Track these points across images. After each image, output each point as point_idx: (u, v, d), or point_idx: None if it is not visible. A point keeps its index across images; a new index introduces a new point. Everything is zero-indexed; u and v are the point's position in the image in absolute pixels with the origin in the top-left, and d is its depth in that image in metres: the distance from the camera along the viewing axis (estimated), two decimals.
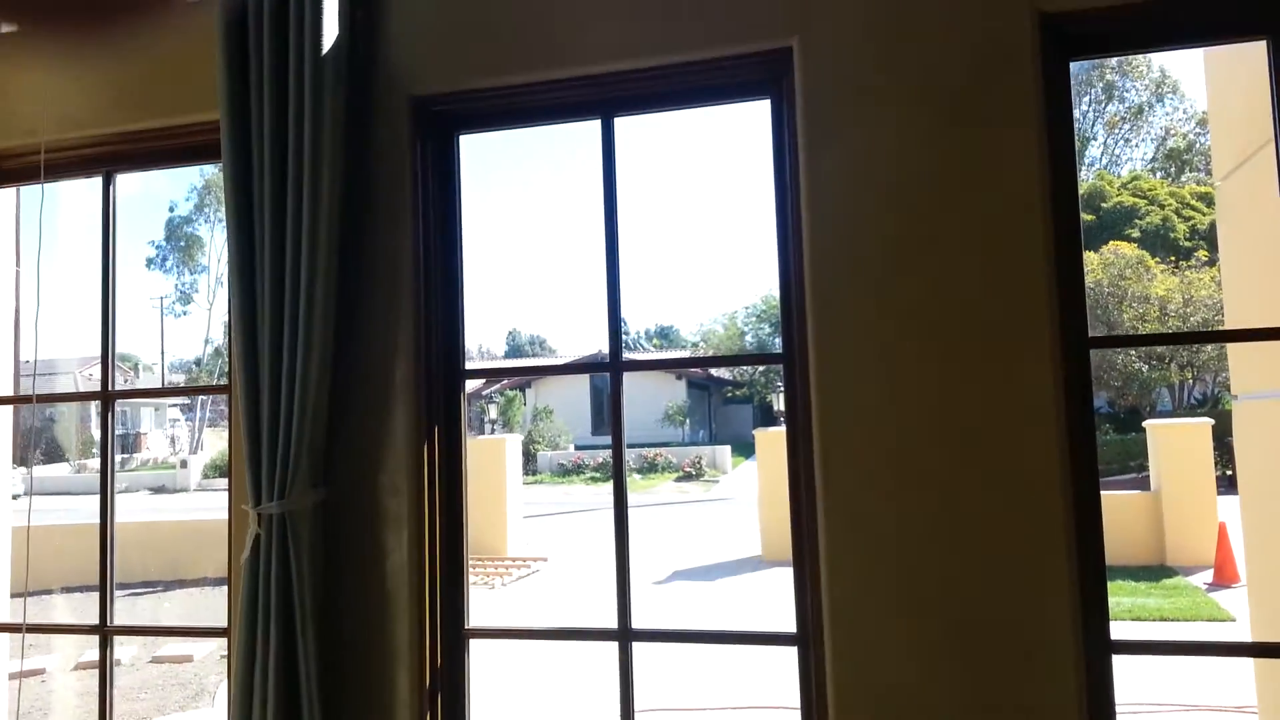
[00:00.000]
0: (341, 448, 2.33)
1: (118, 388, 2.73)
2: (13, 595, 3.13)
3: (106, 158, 2.63)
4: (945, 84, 2.04)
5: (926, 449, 2.01)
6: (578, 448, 30.31)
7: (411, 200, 2.37)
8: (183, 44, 2.53)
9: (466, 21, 2.37)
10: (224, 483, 22.16)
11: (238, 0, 2.30)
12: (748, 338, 40.88)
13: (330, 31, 2.22)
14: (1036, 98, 1.98)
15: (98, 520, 2.66)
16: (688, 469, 26.71)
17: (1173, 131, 39.03)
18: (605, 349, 2.48)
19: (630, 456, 26.72)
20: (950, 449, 2.00)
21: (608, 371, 2.41)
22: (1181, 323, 21.19)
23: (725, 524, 17.08)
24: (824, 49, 2.11)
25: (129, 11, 2.56)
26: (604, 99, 2.35)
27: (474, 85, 2.37)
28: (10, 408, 3.05)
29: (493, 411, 32.15)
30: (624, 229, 2.43)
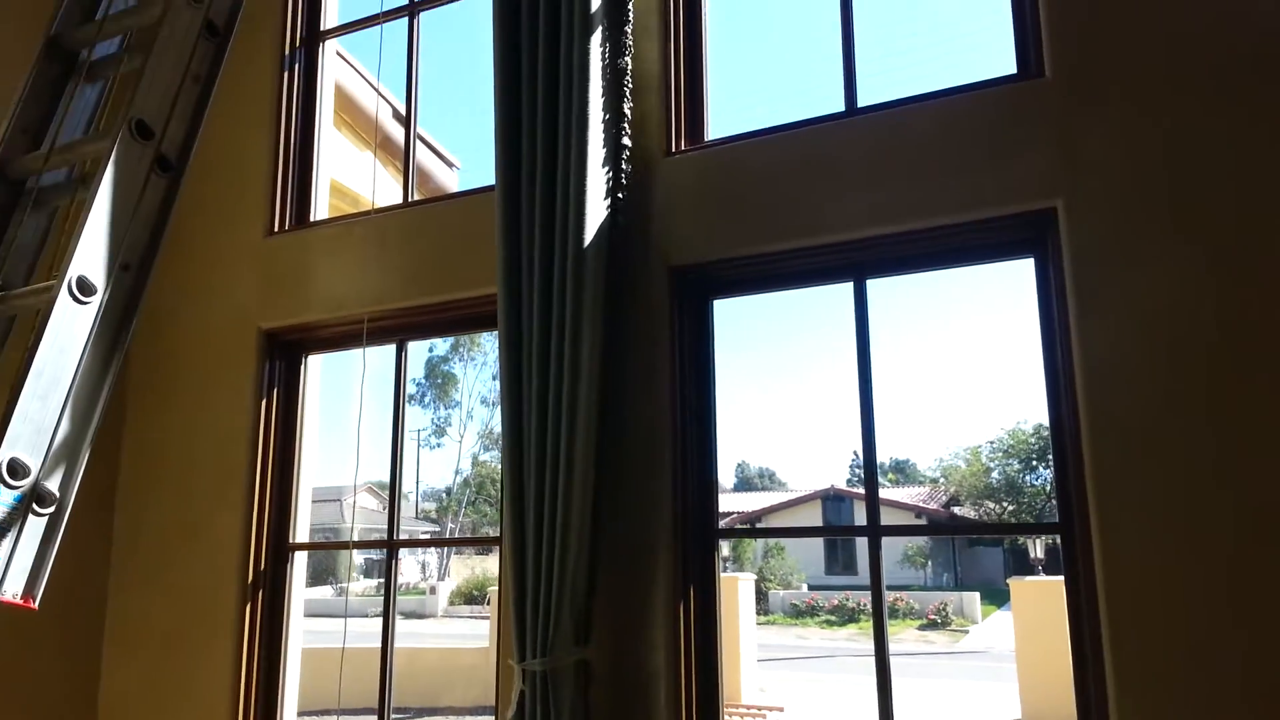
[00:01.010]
0: (601, 607, 2.39)
1: (397, 527, 2.98)
2: (299, 714, 3.38)
3: (400, 328, 2.95)
4: (1221, 241, 1.91)
5: (1226, 628, 1.80)
6: (811, 587, 29.29)
7: (669, 364, 2.47)
8: (458, 229, 2.84)
9: (722, 195, 2.50)
10: (469, 609, 23.13)
11: (513, 193, 2.55)
12: (994, 474, 38.41)
13: (594, 220, 2.40)
14: None
15: (377, 645, 2.88)
16: (932, 616, 25.05)
17: None
18: (837, 481, 2.45)
19: (864, 600, 25.44)
20: (1252, 627, 1.78)
21: (864, 536, 2.35)
22: None
23: (979, 680, 15.75)
24: (1092, 208, 2.05)
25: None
26: (854, 263, 2.38)
27: (728, 254, 2.48)
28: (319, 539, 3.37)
29: (724, 548, 31.89)
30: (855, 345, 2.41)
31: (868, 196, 2.31)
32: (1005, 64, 2.38)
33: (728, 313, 2.60)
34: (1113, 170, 2.05)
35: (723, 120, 2.75)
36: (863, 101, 2.50)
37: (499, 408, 2.52)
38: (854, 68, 2.54)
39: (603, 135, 2.46)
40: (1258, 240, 1.90)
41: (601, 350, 2.36)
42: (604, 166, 2.45)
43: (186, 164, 2.20)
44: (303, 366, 3.10)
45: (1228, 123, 1.98)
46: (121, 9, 2.47)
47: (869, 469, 2.36)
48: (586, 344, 2.34)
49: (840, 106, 2.52)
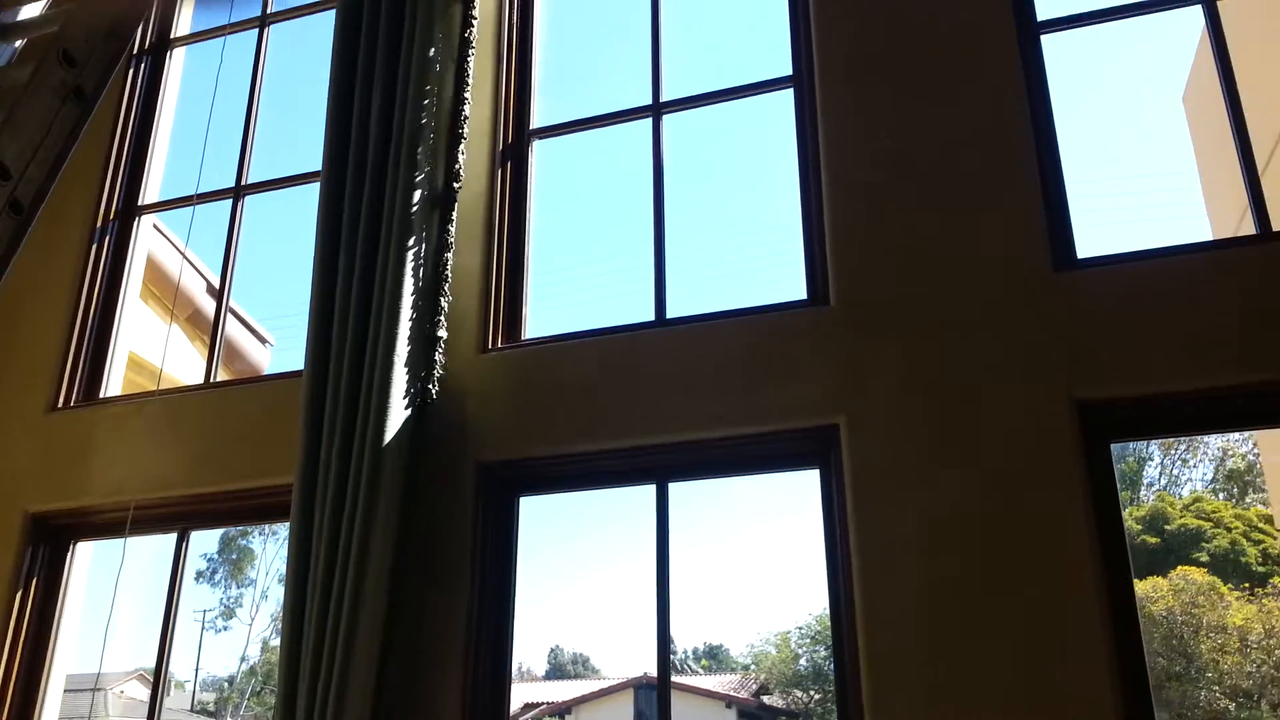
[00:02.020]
0: None
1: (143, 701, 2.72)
2: None
3: (184, 515, 2.79)
4: (987, 462, 2.13)
5: None
6: None
7: (471, 559, 2.44)
8: (260, 413, 2.76)
9: (534, 395, 2.56)
10: None
11: (319, 382, 2.53)
12: (801, 661, 38.67)
13: (396, 417, 2.40)
14: (1077, 475, 2.05)
15: None
16: None
17: (1230, 452, 38.77)
18: (650, 668, 2.44)
19: None
20: None
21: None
22: (1266, 655, 19.82)
23: None
24: (869, 427, 2.24)
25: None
26: (658, 466, 2.47)
27: (537, 454, 2.52)
28: None
29: None
30: (675, 550, 2.46)
31: (672, 404, 2.43)
32: (799, 289, 2.62)
33: (551, 497, 2.63)
34: (888, 394, 2.26)
35: (540, 321, 2.86)
36: (672, 313, 2.67)
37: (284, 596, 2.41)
38: (664, 281, 2.73)
39: (409, 331, 2.49)
40: (1015, 466, 2.12)
41: (395, 547, 2.30)
42: (407, 365, 2.47)
43: None
44: (70, 554, 2.87)
45: (985, 355, 2.23)
46: None
47: (662, 670, 2.37)
48: (378, 544, 2.28)
49: (651, 316, 2.69)
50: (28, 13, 2.81)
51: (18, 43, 2.77)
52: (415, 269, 2.56)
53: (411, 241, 2.58)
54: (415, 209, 2.62)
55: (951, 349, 2.26)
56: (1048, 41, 2.55)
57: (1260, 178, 2.39)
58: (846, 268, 2.42)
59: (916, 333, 2.30)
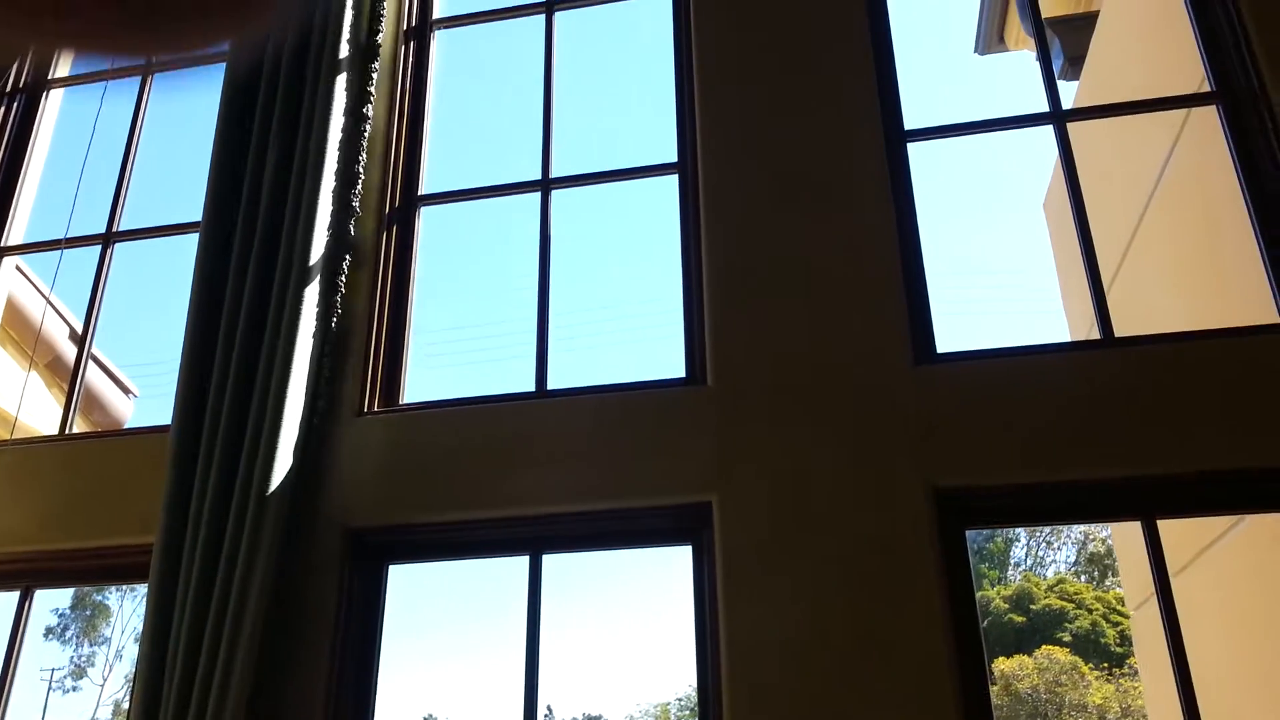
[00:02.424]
0: None
1: None
2: None
3: (28, 573, 2.62)
4: (850, 546, 2.20)
5: None
6: None
7: (334, 625, 2.37)
8: (119, 468, 2.65)
9: (409, 460, 2.53)
10: None
11: (190, 435, 2.45)
12: None
13: (280, 471, 2.35)
14: (934, 560, 2.14)
15: None
16: None
17: (1091, 536, 40.62)
18: None
19: None
20: None
21: None
22: None
23: None
24: (740, 507, 2.29)
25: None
26: (532, 537, 2.46)
27: (409, 520, 2.48)
28: None
29: None
30: (550, 611, 2.44)
31: (548, 475, 2.44)
32: (678, 365, 2.68)
33: (427, 564, 2.57)
34: (758, 476, 2.32)
35: (420, 387, 2.84)
36: (552, 384, 2.69)
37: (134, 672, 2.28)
38: (546, 353, 2.75)
39: (302, 391, 2.46)
40: (876, 551, 2.19)
41: (268, 608, 2.24)
42: (298, 422, 2.43)
43: None
44: None
45: (850, 442, 2.32)
46: None
47: None
48: (254, 602, 2.22)
49: (531, 386, 2.70)
50: None
51: None
52: (310, 331, 2.54)
53: (310, 297, 2.56)
54: (313, 263, 2.60)
55: (818, 436, 2.34)
56: (915, 149, 2.73)
57: (1109, 285, 2.59)
58: (723, 351, 2.50)
59: (787, 419, 2.38)
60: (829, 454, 2.31)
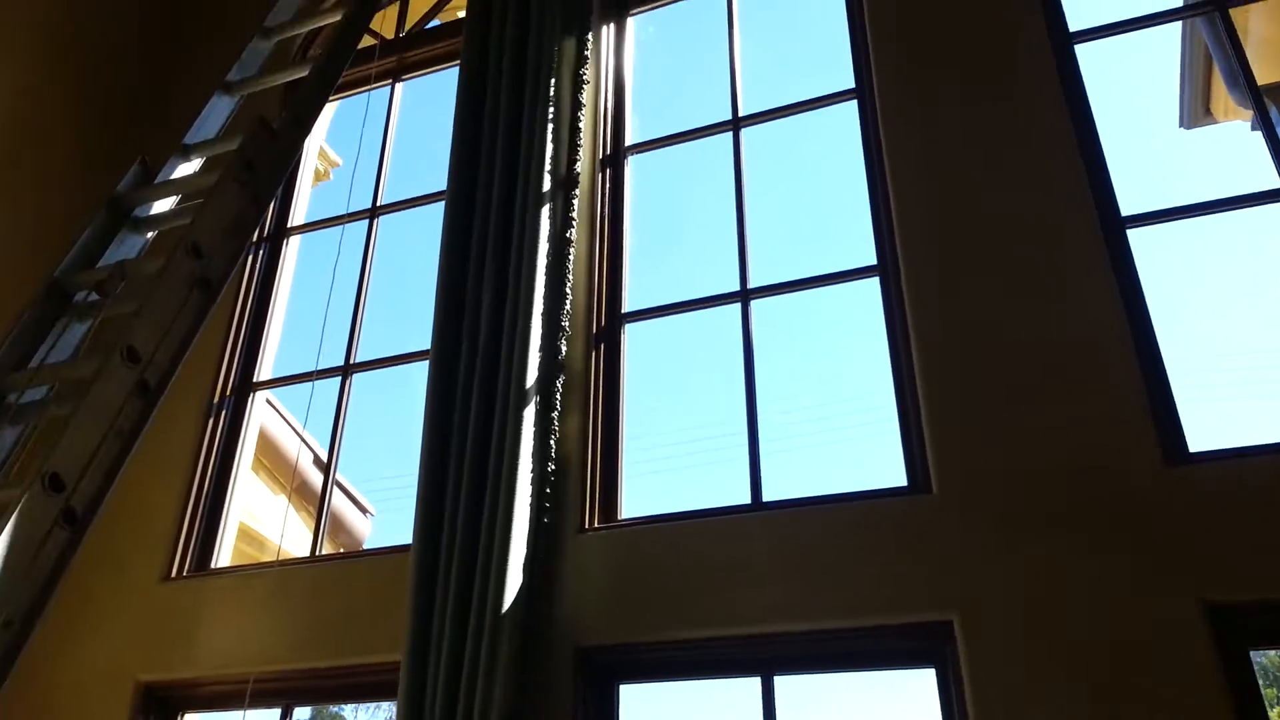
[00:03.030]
0: None
1: None
2: None
3: (289, 691, 2.80)
4: (1115, 672, 2.05)
5: None
6: None
7: None
8: (364, 588, 2.80)
9: (632, 577, 2.56)
10: None
11: (430, 557, 2.58)
12: None
13: (512, 589, 2.43)
14: (1217, 686, 1.96)
15: None
16: None
17: None
18: None
19: None
20: None
21: None
22: None
23: None
24: (986, 626, 2.18)
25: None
26: (762, 658, 2.43)
27: (634, 639, 2.50)
28: None
29: None
30: None
31: (773, 592, 2.41)
32: (898, 472, 2.62)
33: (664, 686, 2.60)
34: (1004, 592, 2.21)
35: (635, 499, 2.89)
36: (767, 496, 2.68)
37: None
38: (759, 463, 2.75)
39: (529, 509, 2.56)
40: (1146, 675, 2.04)
41: None
42: (526, 543, 2.52)
43: (93, 518, 2.18)
44: None
45: (1101, 554, 2.18)
46: (57, 360, 2.56)
47: None
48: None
49: (747, 498, 2.69)
50: (159, 208, 3.03)
51: (150, 234, 2.98)
52: (532, 447, 2.65)
53: (529, 419, 2.67)
54: (528, 390, 2.72)
55: (1069, 545, 2.21)
56: (1134, 235, 2.61)
57: None
58: (947, 457, 2.43)
59: (1026, 528, 2.27)
60: (1081, 567, 2.18)
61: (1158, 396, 2.33)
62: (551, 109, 3.16)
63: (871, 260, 2.91)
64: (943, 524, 2.35)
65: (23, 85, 3.70)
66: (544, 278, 2.92)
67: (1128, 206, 2.65)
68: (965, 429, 2.45)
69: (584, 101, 3.26)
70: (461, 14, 4.04)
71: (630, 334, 3.12)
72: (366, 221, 3.62)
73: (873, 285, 2.89)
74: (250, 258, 3.58)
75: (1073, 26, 2.96)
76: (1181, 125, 4.34)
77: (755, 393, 2.86)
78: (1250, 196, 2.61)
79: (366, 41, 3.60)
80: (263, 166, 2.79)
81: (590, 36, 3.40)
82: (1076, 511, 2.25)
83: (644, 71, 3.75)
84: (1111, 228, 2.60)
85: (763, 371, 2.97)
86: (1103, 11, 3.04)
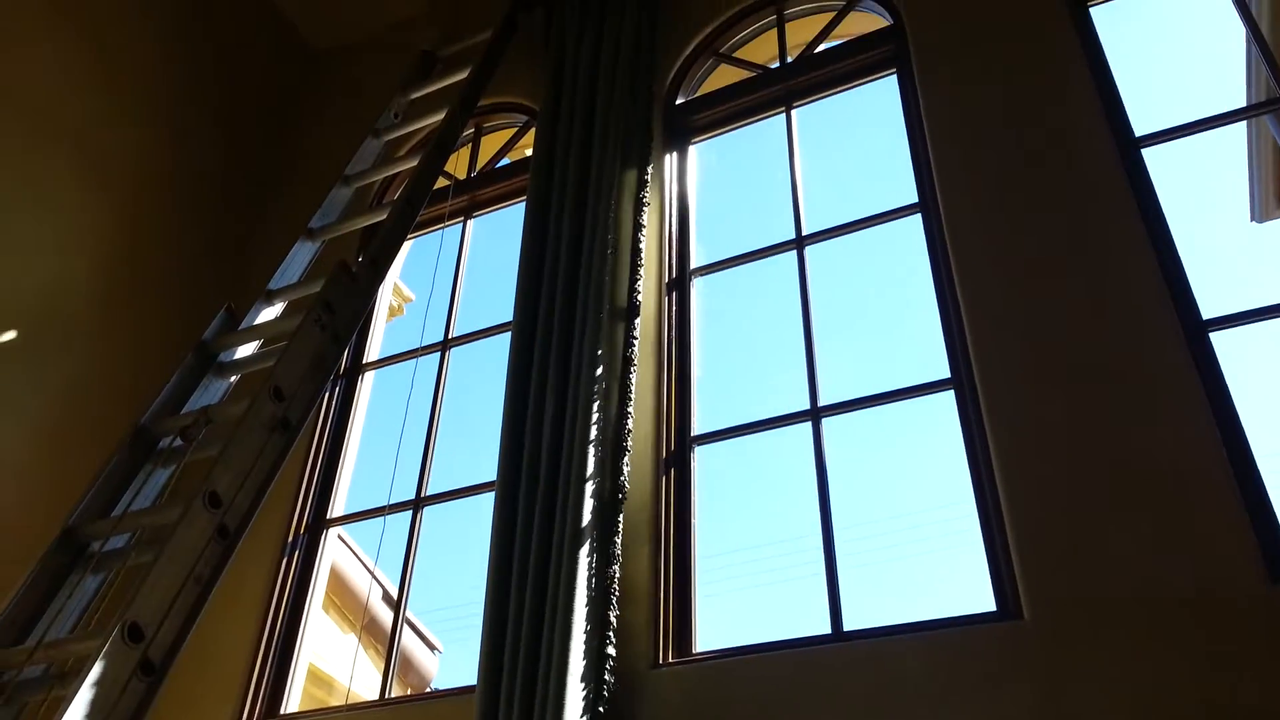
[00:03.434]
0: None
1: None
2: None
3: None
4: None
5: None
6: None
7: None
8: None
9: (708, 715, 2.46)
10: None
11: (492, 695, 2.51)
12: None
13: None
14: None
15: None
16: None
17: None
18: None
19: None
20: None
21: None
22: None
23: None
24: None
25: None
26: None
27: None
28: None
29: None
30: None
31: None
32: (985, 598, 2.49)
33: None
34: None
35: (709, 631, 2.80)
36: (848, 625, 2.57)
37: None
38: (838, 591, 2.64)
39: (584, 648, 2.48)
40: None
41: None
42: (584, 681, 2.44)
43: (170, 667, 2.19)
44: None
45: (1213, 682, 2.02)
46: (140, 507, 2.63)
47: None
48: None
49: (827, 628, 2.58)
50: (244, 352, 3.14)
51: (233, 378, 3.09)
52: (587, 580, 2.59)
53: (584, 552, 2.62)
54: (586, 520, 2.68)
55: (1171, 675, 2.06)
56: (1218, 338, 2.51)
57: None
58: (1038, 581, 2.30)
59: (1127, 654, 2.12)
60: (1188, 696, 2.01)
61: (1257, 512, 2.19)
62: (610, 234, 3.22)
63: (945, 374, 2.85)
64: (1034, 651, 2.21)
65: (119, 228, 3.95)
66: (601, 403, 2.91)
67: (1208, 309, 2.56)
68: (1054, 549, 2.33)
69: (644, 223, 3.32)
70: (529, 151, 4.21)
71: (701, 456, 3.08)
72: (438, 354, 3.70)
73: (948, 399, 2.82)
74: (327, 395, 3.68)
75: (1138, 131, 2.92)
76: (1253, 220, 4.22)
77: (830, 516, 2.77)
78: None
79: (440, 183, 3.76)
80: (342, 309, 2.90)
81: (651, 165, 3.49)
82: (1178, 637, 2.09)
83: (707, 194, 3.82)
84: (1194, 332, 2.50)
85: (837, 490, 2.89)
86: (1167, 114, 3.00)
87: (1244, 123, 3.88)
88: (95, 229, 3.82)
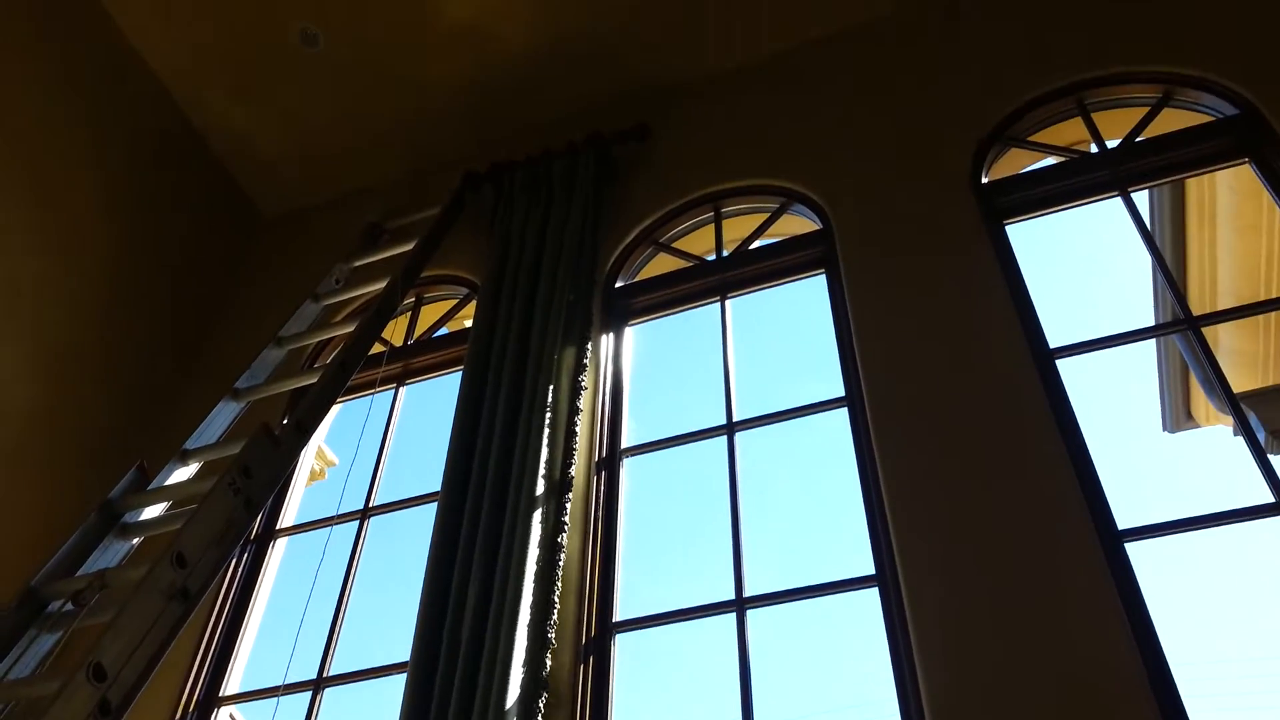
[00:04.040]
0: None
1: None
2: None
3: None
4: None
5: None
6: None
7: None
8: None
9: None
10: None
11: None
12: None
13: None
14: None
15: None
16: None
17: None
18: None
19: None
20: None
21: None
22: None
23: None
24: None
25: None
26: None
27: None
28: None
29: None
30: None
31: None
32: None
33: None
34: None
35: None
36: None
37: None
38: None
39: None
40: None
41: None
42: None
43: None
44: None
45: None
46: (19, 676, 2.45)
47: None
48: None
49: None
50: (151, 513, 3.01)
51: (136, 540, 2.94)
52: None
53: None
54: (508, 710, 2.56)
55: None
56: (1134, 548, 2.57)
57: None
58: None
59: None
60: None
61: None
62: (549, 414, 3.23)
63: (870, 569, 2.84)
64: None
65: (41, 380, 3.83)
66: (533, 586, 2.83)
67: (1124, 518, 2.63)
68: None
69: (581, 407, 3.33)
70: (469, 323, 4.26)
71: (622, 641, 2.99)
72: (357, 523, 3.58)
73: (872, 595, 2.80)
74: (234, 561, 3.51)
75: (1052, 342, 3.08)
76: (1165, 430, 4.44)
77: (752, 708, 2.69)
78: (1251, 510, 2.57)
79: (376, 348, 3.76)
80: (260, 473, 2.81)
81: (590, 346, 3.54)
82: None
83: (641, 375, 3.88)
84: (1110, 543, 2.56)
85: (760, 681, 2.81)
86: (1079, 328, 3.18)
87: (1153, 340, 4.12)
88: (17, 379, 3.72)
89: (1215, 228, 4.22)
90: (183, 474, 3.04)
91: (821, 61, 4.36)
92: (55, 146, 4.07)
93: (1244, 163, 3.42)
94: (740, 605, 2.92)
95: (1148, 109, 3.64)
